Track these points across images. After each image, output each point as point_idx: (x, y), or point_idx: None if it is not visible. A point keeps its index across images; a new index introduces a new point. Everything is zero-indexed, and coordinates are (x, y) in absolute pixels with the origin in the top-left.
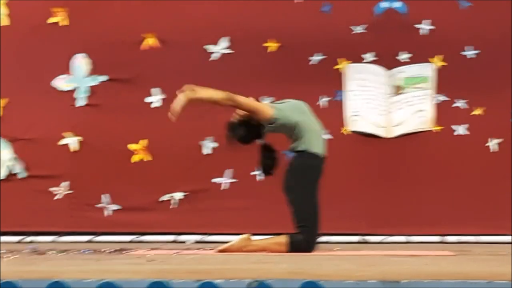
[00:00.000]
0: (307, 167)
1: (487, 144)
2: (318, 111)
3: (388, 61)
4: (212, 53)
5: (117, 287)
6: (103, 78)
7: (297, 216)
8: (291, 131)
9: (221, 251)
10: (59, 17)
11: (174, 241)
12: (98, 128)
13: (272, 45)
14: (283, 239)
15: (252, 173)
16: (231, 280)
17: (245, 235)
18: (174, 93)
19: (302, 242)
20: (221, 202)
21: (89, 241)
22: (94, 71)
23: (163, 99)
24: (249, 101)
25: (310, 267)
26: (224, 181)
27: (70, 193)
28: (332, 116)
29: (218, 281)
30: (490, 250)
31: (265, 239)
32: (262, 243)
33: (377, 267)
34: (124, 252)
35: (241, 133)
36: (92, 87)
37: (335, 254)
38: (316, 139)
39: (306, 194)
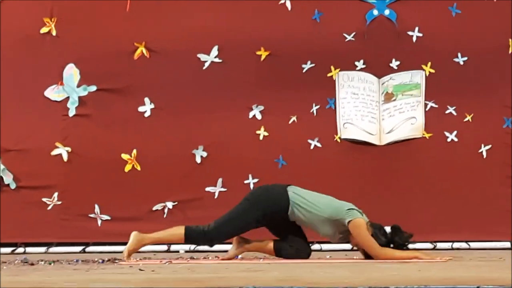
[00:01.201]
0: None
1: (480, 151)
2: (311, 119)
3: (379, 69)
4: (205, 62)
5: None
6: (93, 88)
7: (221, 220)
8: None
9: (128, 257)
10: (51, 27)
11: (166, 251)
12: (90, 138)
13: (264, 53)
14: (180, 230)
15: (246, 182)
16: None
17: (134, 232)
18: (166, 102)
19: (200, 233)
20: (214, 211)
21: (81, 252)
22: (85, 81)
23: (155, 109)
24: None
25: (300, 275)
26: (217, 189)
27: (62, 203)
28: (325, 123)
29: None
30: (481, 257)
31: (162, 231)
32: (159, 234)
33: (367, 274)
34: (116, 262)
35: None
36: (82, 97)
37: (326, 262)
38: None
39: (244, 213)
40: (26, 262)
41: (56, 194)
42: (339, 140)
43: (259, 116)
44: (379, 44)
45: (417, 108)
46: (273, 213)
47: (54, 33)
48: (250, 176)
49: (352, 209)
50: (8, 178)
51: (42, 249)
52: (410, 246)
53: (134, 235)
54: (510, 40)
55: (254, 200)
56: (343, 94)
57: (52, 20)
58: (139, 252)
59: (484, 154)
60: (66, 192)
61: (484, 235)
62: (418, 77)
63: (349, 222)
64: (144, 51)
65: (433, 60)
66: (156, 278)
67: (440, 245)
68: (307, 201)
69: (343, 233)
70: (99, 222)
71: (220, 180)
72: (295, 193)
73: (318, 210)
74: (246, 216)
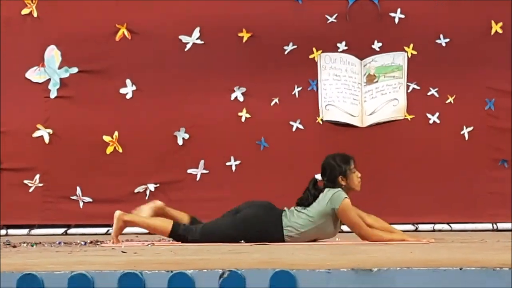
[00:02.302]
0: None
1: (462, 132)
2: (293, 101)
3: (361, 50)
4: (186, 43)
5: (89, 278)
6: (74, 70)
7: (212, 223)
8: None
9: (116, 241)
10: (32, 9)
11: (148, 233)
12: (72, 120)
13: (246, 35)
14: (168, 224)
15: (228, 164)
16: (203, 271)
17: (117, 211)
18: (148, 84)
19: (183, 237)
20: (196, 192)
21: (63, 234)
22: (66, 62)
23: (137, 90)
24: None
25: (282, 257)
26: (199, 171)
27: (43, 185)
28: (307, 105)
29: (190, 271)
30: (463, 238)
31: (150, 218)
32: (147, 220)
33: (350, 256)
34: (98, 244)
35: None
36: (64, 79)
37: (308, 244)
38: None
39: (234, 233)
40: (8, 244)
41: (37, 176)
42: (321, 122)
43: (241, 98)
44: (361, 26)
45: (399, 89)
46: (267, 240)
47: (35, 14)
48: (232, 158)
49: (331, 194)
50: None
51: (24, 231)
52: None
53: (116, 217)
54: (492, 21)
55: (247, 229)
56: (325, 76)
57: (33, 1)
58: (121, 234)
59: (466, 136)
60: (48, 174)
61: (465, 217)
62: (400, 58)
63: (337, 210)
64: (126, 32)
65: (415, 41)
66: (138, 260)
67: (421, 226)
68: (296, 228)
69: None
70: (81, 204)
71: (202, 162)
72: (288, 229)
73: (308, 226)
74: (235, 235)
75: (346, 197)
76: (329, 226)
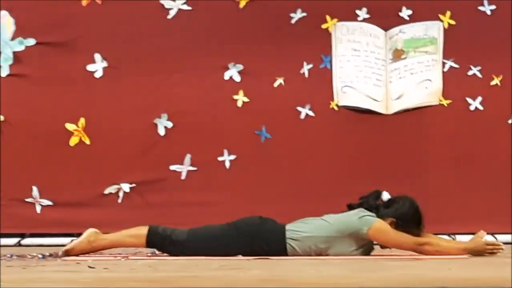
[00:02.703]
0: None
1: (510, 121)
2: (302, 82)
3: (386, 19)
4: (170, 9)
5: None
6: (31, 41)
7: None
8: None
9: (67, 251)
10: None
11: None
12: (27, 104)
13: (244, 0)
14: (142, 230)
15: (220, 159)
16: None
17: (92, 229)
18: (122, 60)
19: (166, 239)
20: (181, 194)
21: (16, 245)
22: (21, 33)
23: (108, 68)
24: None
25: (287, 274)
26: (185, 168)
27: None
28: (318, 87)
29: None
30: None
31: (121, 232)
32: (115, 236)
33: (371, 273)
34: (59, 257)
35: None
36: (18, 53)
37: (318, 258)
38: None
39: (228, 244)
40: None
41: None
42: (336, 108)
43: (237, 78)
44: None
45: (433, 68)
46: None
47: None
48: (225, 152)
49: (363, 215)
50: None
51: None
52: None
53: (87, 233)
54: None
55: (244, 238)
56: (341, 51)
57: None
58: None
59: None
60: None
61: None
62: (434, 29)
63: (367, 232)
64: None
65: (454, 8)
66: (109, 277)
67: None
68: (303, 231)
69: (364, 246)
70: (38, 208)
71: (188, 156)
72: (292, 230)
73: (320, 231)
74: (229, 247)
75: (380, 220)
76: (342, 246)
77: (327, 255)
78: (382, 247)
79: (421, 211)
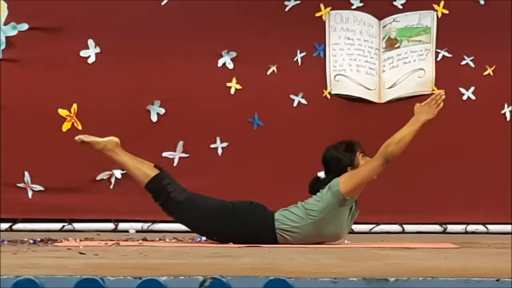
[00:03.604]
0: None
1: (503, 111)
2: (295, 70)
3: (380, 8)
4: None
5: (38, 284)
6: (24, 26)
7: (201, 198)
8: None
9: (82, 140)
10: None
11: (113, 230)
12: (19, 89)
13: None
14: (150, 172)
15: (213, 146)
16: (180, 278)
17: (114, 138)
18: (115, 45)
19: (164, 193)
20: None
21: (8, 230)
22: (14, 17)
23: (101, 53)
24: None
25: (278, 262)
26: (177, 155)
27: None
28: (312, 75)
29: (164, 278)
30: (502, 243)
31: (135, 159)
32: (128, 159)
33: (361, 262)
34: (51, 243)
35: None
36: (10, 37)
37: (309, 247)
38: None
39: (222, 223)
40: None
41: None
42: (329, 96)
43: (230, 65)
44: None
45: (426, 57)
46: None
47: None
48: (218, 139)
49: (327, 186)
50: None
51: None
52: (413, 228)
53: (109, 139)
54: None
55: (235, 222)
56: (334, 39)
57: None
58: (79, 231)
59: (508, 115)
60: None
61: (505, 216)
62: (428, 19)
63: (340, 188)
64: None
65: None
66: (100, 263)
67: (451, 227)
68: (290, 219)
69: (351, 207)
70: (30, 193)
71: (180, 143)
72: (280, 220)
73: (305, 219)
74: (219, 226)
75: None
76: (332, 223)
77: (322, 239)
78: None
79: (339, 143)
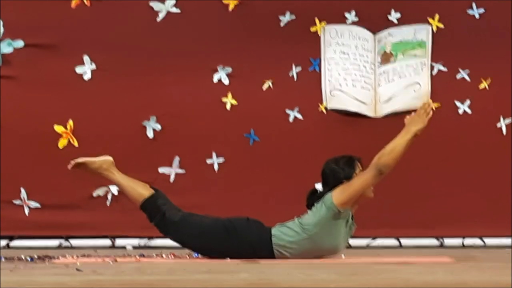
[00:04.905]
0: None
1: (498, 125)
2: (290, 84)
3: (375, 22)
4: (159, 12)
5: None
6: (20, 43)
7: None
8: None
9: (77, 164)
10: None
11: (110, 247)
12: (16, 106)
13: (232, 2)
14: (145, 192)
15: (209, 161)
16: None
17: (109, 158)
18: (111, 62)
19: (159, 213)
20: (169, 197)
21: (5, 247)
22: (9, 34)
23: (97, 70)
24: None
25: (275, 277)
26: (173, 171)
27: None
28: (307, 90)
29: None
30: (499, 256)
31: (130, 179)
32: (123, 179)
33: (358, 276)
34: (48, 260)
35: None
36: (6, 55)
37: (308, 262)
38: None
39: (218, 241)
40: None
41: None
42: (324, 111)
43: (226, 80)
44: None
45: (421, 71)
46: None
47: None
48: (214, 154)
49: (320, 200)
50: None
51: None
52: (411, 242)
53: (104, 158)
54: None
55: (232, 239)
56: (330, 54)
57: None
58: (76, 248)
59: (504, 129)
60: None
61: (502, 229)
62: (423, 33)
63: (334, 201)
64: None
65: (442, 12)
66: (97, 280)
67: (448, 241)
68: (288, 235)
69: (347, 223)
70: (27, 210)
71: (176, 159)
72: (277, 235)
73: (300, 234)
74: (215, 244)
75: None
76: (328, 238)
77: (321, 253)
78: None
79: (340, 156)
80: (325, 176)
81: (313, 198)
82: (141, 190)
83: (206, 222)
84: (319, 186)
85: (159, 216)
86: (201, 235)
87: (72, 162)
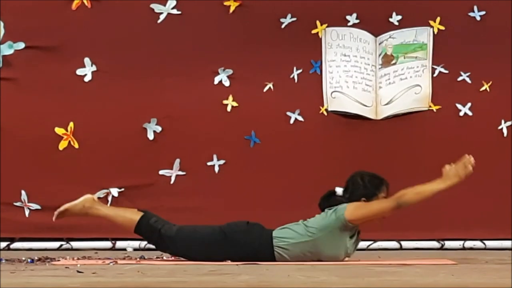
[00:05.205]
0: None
1: (500, 127)
2: (291, 87)
3: (376, 25)
4: (160, 14)
5: None
6: (20, 45)
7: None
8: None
9: (60, 213)
10: None
11: (111, 249)
12: (16, 108)
13: (233, 4)
14: (135, 216)
15: (209, 163)
16: None
17: (89, 195)
18: (111, 64)
19: (155, 232)
20: (170, 199)
21: (5, 249)
22: (10, 36)
23: (97, 72)
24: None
25: (276, 279)
26: (174, 173)
27: None
28: (308, 92)
29: None
30: (500, 259)
31: (116, 208)
32: (109, 211)
33: (359, 278)
34: (49, 261)
35: None
36: (7, 56)
37: (308, 264)
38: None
39: (216, 247)
40: None
41: None
42: (325, 113)
43: (226, 83)
44: None
45: (422, 74)
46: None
47: None
48: (214, 156)
49: (335, 208)
50: None
51: None
52: (411, 244)
53: (84, 198)
54: None
55: (231, 244)
56: (331, 56)
57: None
58: (76, 250)
59: (505, 131)
60: None
61: (503, 232)
62: (424, 35)
63: (346, 216)
64: (85, 0)
65: (443, 14)
66: (97, 281)
67: (448, 244)
68: (289, 238)
69: (353, 237)
70: (27, 212)
71: (177, 161)
72: (278, 237)
73: (304, 236)
74: (215, 251)
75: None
76: (329, 245)
77: (320, 258)
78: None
79: (371, 173)
80: (348, 184)
81: (328, 201)
82: (131, 216)
83: (203, 231)
84: (339, 190)
85: (155, 234)
86: (201, 244)
87: (55, 213)
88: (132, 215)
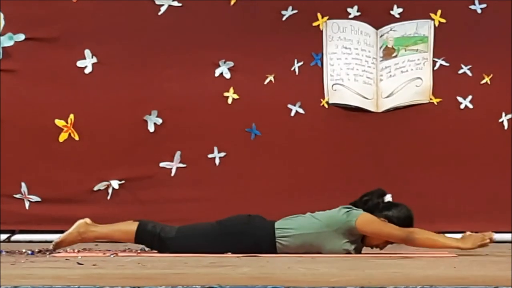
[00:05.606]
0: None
1: (500, 120)
2: (292, 79)
3: (377, 17)
4: (161, 6)
5: None
6: (20, 37)
7: (192, 227)
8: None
9: (57, 244)
10: None
11: (111, 241)
12: (16, 100)
13: None
14: (132, 226)
15: (210, 156)
16: (177, 287)
17: (81, 220)
18: (112, 56)
19: (155, 236)
20: (170, 191)
21: (6, 241)
22: (10, 28)
23: (98, 64)
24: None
25: (276, 271)
26: (175, 165)
27: None
28: (309, 85)
29: None
30: (501, 251)
31: (111, 224)
32: (105, 229)
33: (359, 271)
34: (49, 253)
35: None
36: (7, 48)
37: (307, 256)
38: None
39: (216, 242)
40: None
41: None
42: (326, 106)
43: (227, 75)
44: None
45: (423, 66)
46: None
47: None
48: (215, 149)
49: (350, 209)
50: None
51: None
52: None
53: (77, 224)
54: None
55: (233, 238)
56: (332, 49)
57: None
58: None
59: (506, 124)
60: None
61: (503, 224)
62: (425, 28)
63: (356, 223)
64: None
65: (445, 7)
66: (98, 273)
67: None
68: (292, 228)
69: (356, 243)
70: (27, 204)
71: (178, 153)
72: (281, 228)
73: (308, 228)
74: (217, 245)
75: (367, 213)
76: (330, 242)
77: (319, 252)
78: (371, 245)
79: (413, 220)
80: (391, 208)
81: (359, 201)
82: (127, 228)
83: (204, 227)
84: (388, 197)
85: (156, 239)
86: (203, 239)
87: (52, 244)
88: (128, 227)
